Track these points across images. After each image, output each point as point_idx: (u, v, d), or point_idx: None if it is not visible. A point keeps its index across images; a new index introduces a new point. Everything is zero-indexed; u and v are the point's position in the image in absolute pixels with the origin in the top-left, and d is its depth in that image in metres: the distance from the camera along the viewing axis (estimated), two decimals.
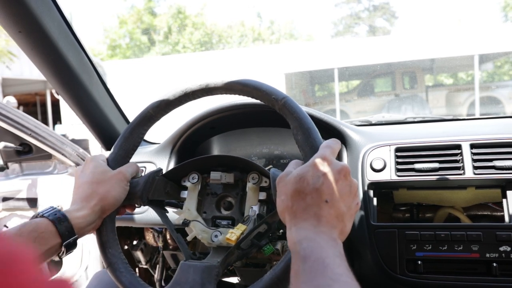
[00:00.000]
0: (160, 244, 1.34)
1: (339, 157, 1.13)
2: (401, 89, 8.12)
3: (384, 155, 1.04)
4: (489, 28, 10.55)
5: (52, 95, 11.82)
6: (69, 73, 1.08)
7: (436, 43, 6.97)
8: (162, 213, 0.87)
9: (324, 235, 0.54)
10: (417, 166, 0.99)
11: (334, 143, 0.65)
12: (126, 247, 1.45)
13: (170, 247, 1.35)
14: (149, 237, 1.37)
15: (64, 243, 0.68)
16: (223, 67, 7.87)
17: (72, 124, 9.30)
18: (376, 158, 1.03)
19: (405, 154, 1.03)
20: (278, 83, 7.38)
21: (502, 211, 0.94)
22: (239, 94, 0.85)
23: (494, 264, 0.88)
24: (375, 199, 1.01)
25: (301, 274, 0.49)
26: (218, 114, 1.18)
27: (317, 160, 0.60)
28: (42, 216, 0.69)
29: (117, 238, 0.80)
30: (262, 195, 0.80)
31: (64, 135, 1.66)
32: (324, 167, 0.58)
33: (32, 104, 14.57)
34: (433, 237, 0.92)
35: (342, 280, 0.46)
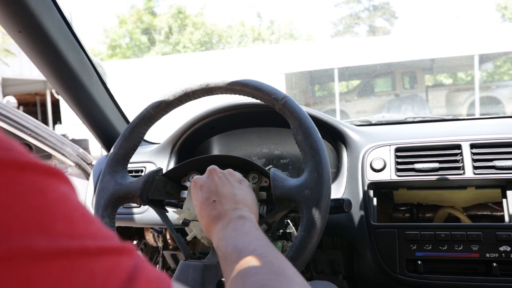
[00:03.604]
0: (160, 244, 1.34)
1: (339, 157, 1.13)
2: (401, 89, 8.12)
3: (384, 155, 1.04)
4: (489, 28, 10.55)
5: (52, 95, 11.82)
6: (69, 73, 1.08)
7: (436, 43, 6.96)
8: (162, 213, 0.87)
9: (231, 225, 0.59)
10: (417, 166, 0.99)
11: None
12: None
13: (170, 247, 1.35)
14: (149, 237, 1.37)
15: None
16: (223, 67, 7.87)
17: (72, 124, 9.30)
18: (376, 158, 1.03)
19: (405, 154, 1.03)
20: (278, 83, 7.37)
21: (502, 211, 0.94)
22: (239, 94, 0.85)
23: (494, 264, 0.88)
24: (375, 199, 1.01)
25: (228, 271, 0.50)
26: (218, 114, 1.18)
27: (192, 182, 0.72)
28: None
29: None
30: (262, 195, 0.80)
31: (64, 135, 1.66)
32: (198, 181, 0.70)
33: (32, 104, 14.57)
34: (433, 237, 0.93)
35: (251, 248, 0.51)
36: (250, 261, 0.47)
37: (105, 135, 1.30)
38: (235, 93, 0.85)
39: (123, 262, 0.26)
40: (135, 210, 1.20)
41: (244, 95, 0.84)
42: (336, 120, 1.14)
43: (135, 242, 1.47)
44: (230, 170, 0.73)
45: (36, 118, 1.33)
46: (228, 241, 0.54)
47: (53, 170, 0.26)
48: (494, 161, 0.95)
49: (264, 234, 0.56)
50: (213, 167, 0.72)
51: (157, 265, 1.44)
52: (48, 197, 0.24)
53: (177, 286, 0.31)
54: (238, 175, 0.73)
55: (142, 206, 0.85)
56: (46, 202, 0.24)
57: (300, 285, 0.43)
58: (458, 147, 1.00)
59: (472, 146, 0.99)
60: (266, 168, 0.81)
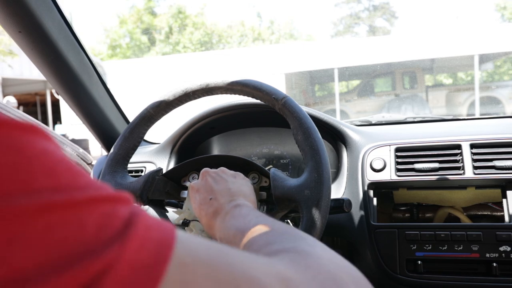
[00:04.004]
0: None
1: (339, 157, 1.13)
2: (401, 89, 8.11)
3: (384, 155, 1.04)
4: (489, 28, 10.55)
5: (52, 95, 11.82)
6: (69, 73, 1.08)
7: (436, 43, 6.97)
8: (162, 213, 0.87)
9: (228, 215, 0.59)
10: (417, 166, 0.99)
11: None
12: None
13: None
14: None
15: None
16: (223, 67, 7.87)
17: (72, 124, 9.31)
18: (376, 158, 1.03)
19: (405, 154, 1.03)
20: (278, 83, 7.37)
21: (502, 211, 0.94)
22: (239, 94, 0.85)
23: (494, 264, 0.88)
24: (375, 199, 1.01)
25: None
26: (218, 114, 1.18)
27: (190, 188, 0.73)
28: None
29: None
30: (262, 195, 0.80)
31: (64, 135, 1.66)
32: (194, 186, 0.71)
33: (32, 104, 14.56)
34: (433, 237, 0.93)
35: (252, 224, 0.50)
36: (254, 232, 0.47)
37: (105, 135, 1.30)
38: (235, 93, 0.85)
39: (117, 211, 0.25)
40: None
41: (244, 95, 0.84)
42: (336, 120, 1.14)
43: None
44: (222, 168, 0.74)
45: (36, 118, 1.33)
46: (230, 228, 0.55)
47: (30, 126, 0.25)
48: (494, 161, 0.95)
49: (262, 213, 0.57)
50: (205, 169, 0.73)
51: None
52: (26, 153, 0.23)
53: (181, 231, 0.28)
54: (231, 171, 0.74)
55: (142, 206, 0.85)
56: (23, 158, 0.23)
57: (304, 238, 0.42)
58: (458, 147, 1.00)
59: (472, 146, 0.99)
60: (266, 168, 0.81)
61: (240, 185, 0.69)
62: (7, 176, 0.21)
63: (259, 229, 0.47)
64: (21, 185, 0.22)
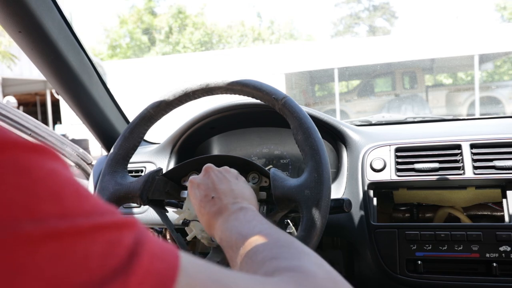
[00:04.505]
0: None
1: (339, 157, 1.13)
2: (401, 89, 8.11)
3: (384, 155, 1.04)
4: (489, 28, 10.55)
5: (52, 95, 11.82)
6: (69, 73, 1.08)
7: (436, 43, 6.96)
8: (162, 213, 0.87)
9: (233, 215, 0.59)
10: (417, 166, 0.99)
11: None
12: None
13: None
14: None
15: None
16: (223, 67, 7.87)
17: (72, 124, 9.31)
18: (376, 158, 1.03)
19: (405, 154, 1.03)
20: (278, 83, 7.37)
21: (502, 211, 0.94)
22: (239, 94, 0.85)
23: (494, 264, 0.88)
24: (375, 199, 1.01)
25: (236, 258, 0.49)
26: (218, 114, 1.18)
27: (189, 182, 0.72)
28: None
29: None
30: (262, 195, 0.80)
31: (64, 135, 1.66)
32: (194, 181, 0.70)
33: (32, 104, 14.57)
34: (433, 237, 0.93)
35: (256, 231, 0.50)
36: (257, 241, 0.46)
37: (105, 135, 1.30)
38: (235, 93, 0.85)
39: (123, 238, 0.25)
40: (135, 210, 1.20)
41: (244, 95, 0.84)
42: (336, 120, 1.14)
43: None
44: (226, 167, 0.73)
45: (36, 118, 1.33)
46: (232, 231, 0.54)
47: (38, 147, 0.24)
48: (494, 161, 0.95)
49: (266, 219, 0.56)
50: (209, 165, 0.72)
51: None
52: (33, 175, 0.22)
53: (186, 257, 0.28)
54: (234, 171, 0.73)
55: (142, 206, 0.85)
56: (30, 181, 0.22)
57: (308, 255, 0.42)
58: (458, 147, 1.00)
59: (472, 146, 0.99)
60: (266, 168, 0.81)
61: (243, 187, 0.68)
62: (13, 200, 0.21)
63: (263, 238, 0.47)
64: (27, 211, 0.21)
